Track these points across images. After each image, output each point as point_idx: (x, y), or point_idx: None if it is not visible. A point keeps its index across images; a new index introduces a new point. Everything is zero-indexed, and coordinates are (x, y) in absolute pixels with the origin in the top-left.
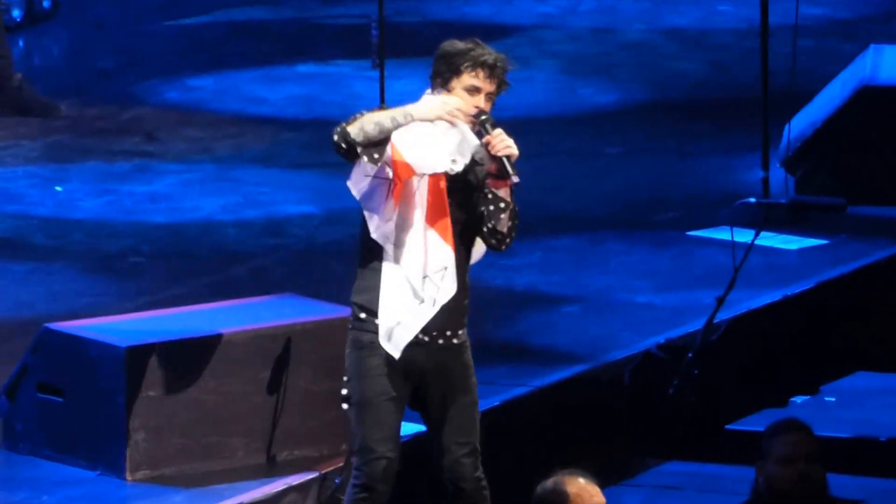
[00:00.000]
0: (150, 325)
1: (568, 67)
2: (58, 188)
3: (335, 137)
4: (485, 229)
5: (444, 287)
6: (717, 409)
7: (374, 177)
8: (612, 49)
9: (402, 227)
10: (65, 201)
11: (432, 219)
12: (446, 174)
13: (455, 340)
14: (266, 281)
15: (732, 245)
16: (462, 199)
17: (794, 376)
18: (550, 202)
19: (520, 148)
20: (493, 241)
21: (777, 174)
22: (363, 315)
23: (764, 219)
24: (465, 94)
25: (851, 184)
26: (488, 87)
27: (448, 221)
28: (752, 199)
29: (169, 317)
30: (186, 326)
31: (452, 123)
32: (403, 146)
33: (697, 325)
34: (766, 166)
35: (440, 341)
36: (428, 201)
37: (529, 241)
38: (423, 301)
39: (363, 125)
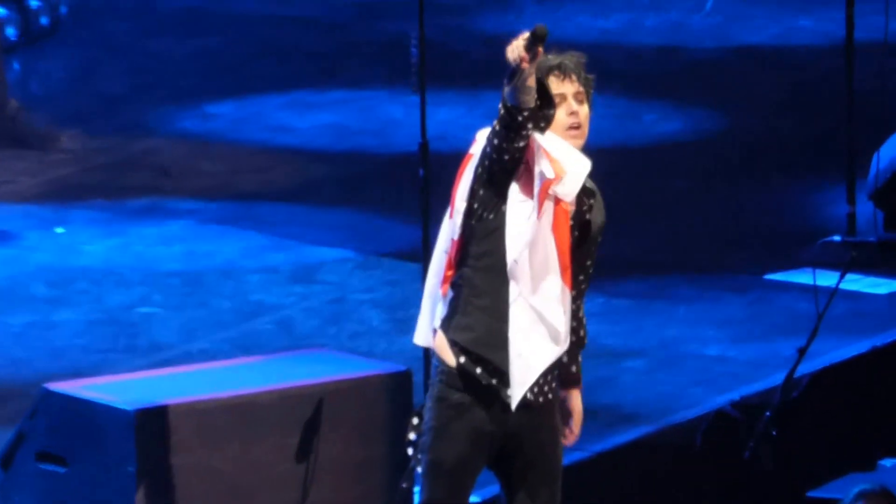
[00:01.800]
0: (164, 385)
1: (631, 90)
2: (59, 230)
3: (501, 112)
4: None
5: (568, 328)
6: (797, 474)
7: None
8: (680, 70)
9: (536, 248)
10: (67, 245)
11: (561, 250)
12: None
13: (551, 396)
14: (295, 334)
15: (815, 289)
16: (577, 242)
17: (883, 436)
18: (612, 242)
19: None
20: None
21: (865, 209)
22: (462, 360)
23: (850, 259)
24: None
25: None
26: (571, 88)
27: (569, 258)
28: (837, 238)
29: (184, 375)
30: (204, 386)
31: (522, 67)
32: (552, 151)
33: (776, 380)
34: (852, 200)
35: (540, 399)
36: (554, 227)
37: (590, 288)
38: (557, 341)
39: (506, 93)
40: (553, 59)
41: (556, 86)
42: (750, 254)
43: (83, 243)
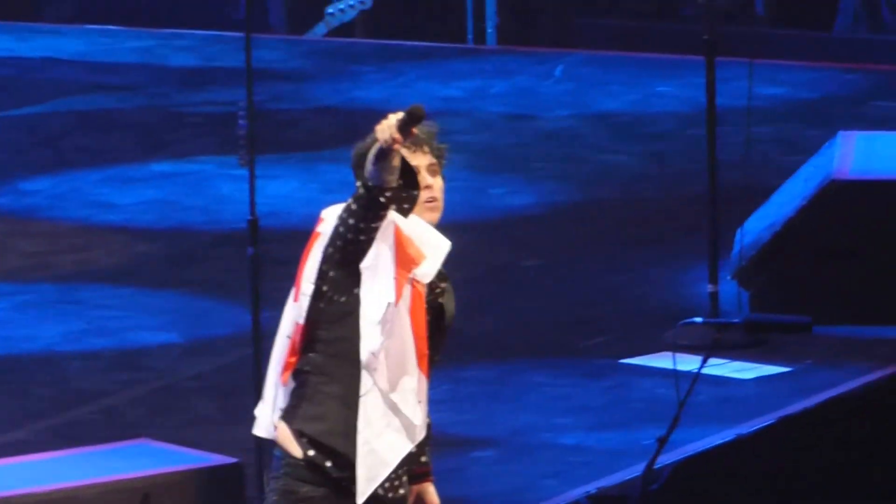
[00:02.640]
0: None
1: (477, 162)
2: None
3: (359, 191)
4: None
5: (424, 421)
6: None
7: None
8: (530, 140)
9: (393, 336)
10: None
11: (418, 335)
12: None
13: (402, 491)
14: (119, 424)
15: (676, 374)
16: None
17: None
18: (458, 325)
19: None
20: None
21: (728, 288)
22: (311, 453)
23: (713, 342)
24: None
25: (817, 299)
26: (424, 160)
27: (426, 344)
28: (699, 319)
29: (1, 468)
30: (22, 479)
31: (393, 148)
32: (411, 232)
33: (636, 471)
34: (714, 279)
35: (390, 494)
36: (411, 311)
37: (435, 372)
38: (408, 431)
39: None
40: (424, 132)
41: (408, 157)
42: (606, 337)
43: None
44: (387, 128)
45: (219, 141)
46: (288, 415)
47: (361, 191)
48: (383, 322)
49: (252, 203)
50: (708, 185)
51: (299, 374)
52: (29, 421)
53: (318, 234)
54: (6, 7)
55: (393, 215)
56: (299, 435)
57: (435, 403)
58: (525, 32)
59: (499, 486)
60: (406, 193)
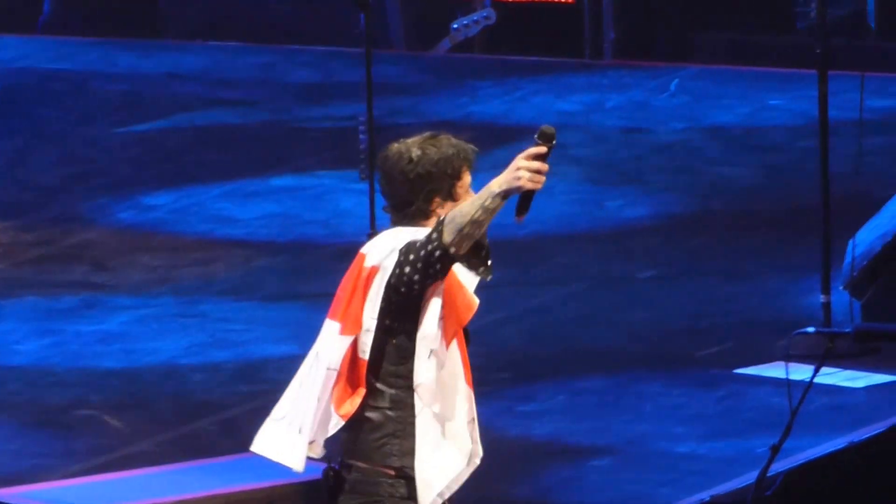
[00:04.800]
0: (104, 491)
1: (593, 175)
2: None
3: (435, 254)
4: None
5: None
6: None
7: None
8: (645, 153)
9: (443, 366)
10: None
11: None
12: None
13: None
14: (240, 435)
15: (788, 384)
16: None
17: None
18: (575, 336)
19: (541, 271)
20: None
21: (840, 298)
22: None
23: (826, 352)
24: (468, 195)
25: None
26: (468, 179)
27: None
28: (812, 329)
29: (125, 480)
30: (147, 491)
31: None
32: (463, 277)
33: (749, 478)
34: (827, 289)
35: None
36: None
37: (552, 383)
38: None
39: (459, 227)
40: (471, 150)
41: (466, 176)
42: (720, 347)
43: (16, 342)
44: (528, 168)
45: (339, 155)
46: (375, 453)
47: (438, 253)
48: (432, 356)
49: (372, 217)
50: (820, 196)
51: (375, 410)
52: (152, 433)
53: (376, 268)
54: (128, 24)
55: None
56: (399, 472)
57: (551, 414)
58: (641, 46)
59: (615, 494)
60: (483, 266)
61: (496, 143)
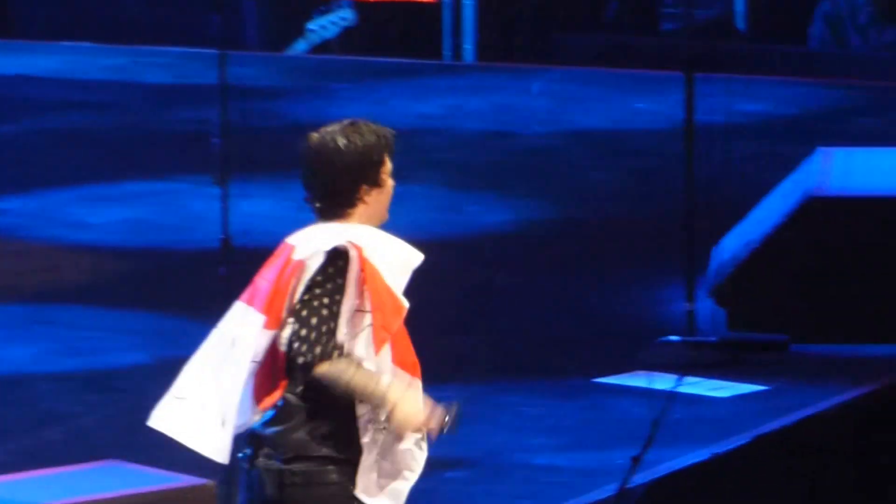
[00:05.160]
0: None
1: (453, 180)
2: None
3: (305, 360)
4: None
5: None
6: None
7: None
8: (507, 157)
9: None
10: None
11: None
12: None
13: None
14: (89, 445)
15: (651, 393)
16: None
17: None
18: (432, 344)
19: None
20: None
21: (705, 307)
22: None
23: (689, 361)
24: (390, 179)
25: (794, 318)
26: (389, 165)
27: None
28: (675, 338)
29: None
30: None
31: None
32: (392, 279)
33: (610, 490)
34: (691, 297)
35: None
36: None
37: None
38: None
39: (336, 380)
40: (390, 134)
41: (388, 161)
42: (581, 355)
43: None
44: (437, 422)
45: (192, 159)
46: (310, 444)
47: (305, 360)
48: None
49: (225, 222)
50: (686, 202)
51: (299, 399)
52: (0, 442)
53: (302, 262)
54: None
55: (374, 263)
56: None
57: None
58: (503, 48)
59: None
60: None
61: None
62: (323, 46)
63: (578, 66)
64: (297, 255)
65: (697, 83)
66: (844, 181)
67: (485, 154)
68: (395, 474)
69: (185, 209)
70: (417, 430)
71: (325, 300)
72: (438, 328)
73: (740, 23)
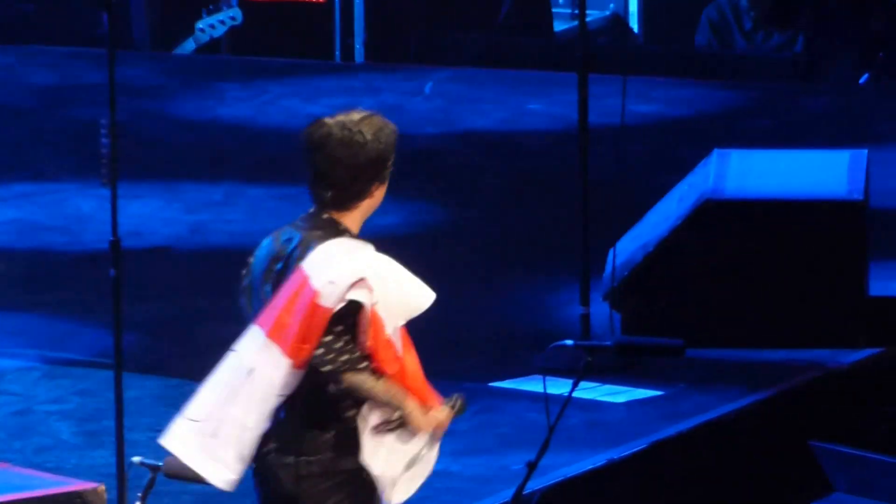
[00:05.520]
0: None
1: None
2: None
3: (332, 368)
4: None
5: None
6: None
7: None
8: (398, 158)
9: None
10: None
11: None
12: None
13: None
14: None
15: (546, 398)
16: None
17: None
18: None
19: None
20: None
21: (600, 310)
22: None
23: (585, 366)
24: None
25: (691, 322)
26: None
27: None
28: (570, 342)
29: None
30: None
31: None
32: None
33: (505, 497)
34: (586, 301)
35: None
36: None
37: None
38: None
39: (365, 389)
40: (394, 127)
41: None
42: (474, 360)
43: None
44: (438, 426)
45: (80, 160)
46: (327, 437)
47: (335, 368)
48: None
49: (114, 223)
50: (580, 204)
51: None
52: None
53: (313, 292)
54: None
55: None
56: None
57: None
58: (394, 48)
59: None
60: None
61: (244, 147)
62: (212, 46)
63: (471, 67)
64: (314, 284)
65: (591, 84)
66: (741, 184)
67: None
68: (409, 467)
69: (73, 210)
70: (436, 428)
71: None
72: None
73: (634, 23)
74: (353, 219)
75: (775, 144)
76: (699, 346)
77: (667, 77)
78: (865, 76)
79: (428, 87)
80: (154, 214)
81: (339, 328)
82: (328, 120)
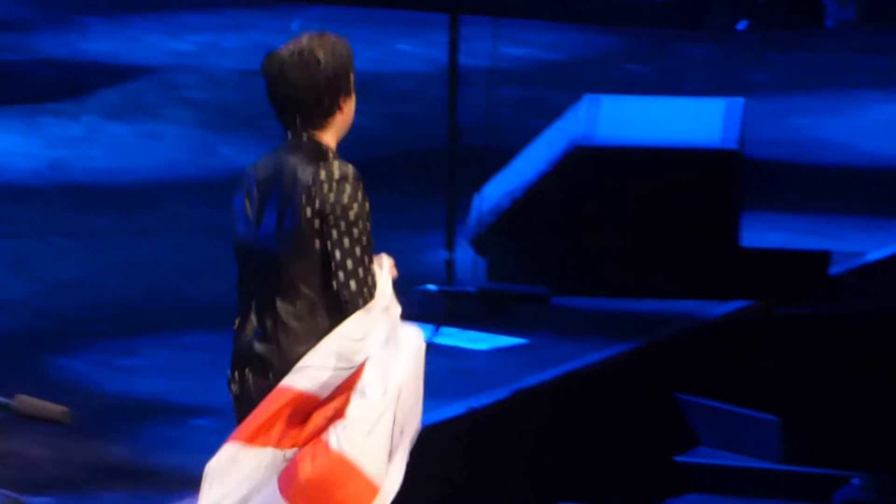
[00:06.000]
0: None
1: (207, 120)
2: None
3: (357, 305)
4: None
5: None
6: None
7: None
8: (263, 97)
9: None
10: None
11: None
12: None
13: None
14: None
15: None
16: None
17: None
18: (180, 288)
19: (146, 220)
20: None
21: (465, 255)
22: None
23: (447, 311)
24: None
25: (556, 269)
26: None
27: None
28: (433, 287)
29: None
30: None
31: None
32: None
33: None
34: (450, 245)
35: None
36: None
37: (154, 337)
38: None
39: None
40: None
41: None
42: None
43: None
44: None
45: None
46: None
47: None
48: None
49: None
50: (447, 147)
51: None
52: None
53: (319, 398)
54: None
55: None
56: None
57: (153, 370)
58: None
59: None
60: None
61: (107, 83)
62: None
63: (339, 5)
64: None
65: (462, 25)
66: (612, 130)
67: (241, 93)
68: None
69: None
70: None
71: (356, 232)
72: (187, 272)
73: None
74: (329, 136)
75: (650, 91)
76: (564, 295)
77: (541, 21)
78: (744, 23)
79: (295, 25)
80: (12, 149)
81: (348, 236)
82: (280, 51)
